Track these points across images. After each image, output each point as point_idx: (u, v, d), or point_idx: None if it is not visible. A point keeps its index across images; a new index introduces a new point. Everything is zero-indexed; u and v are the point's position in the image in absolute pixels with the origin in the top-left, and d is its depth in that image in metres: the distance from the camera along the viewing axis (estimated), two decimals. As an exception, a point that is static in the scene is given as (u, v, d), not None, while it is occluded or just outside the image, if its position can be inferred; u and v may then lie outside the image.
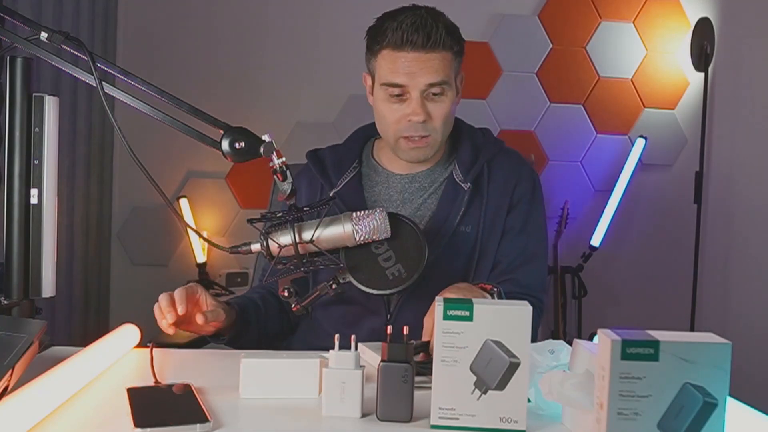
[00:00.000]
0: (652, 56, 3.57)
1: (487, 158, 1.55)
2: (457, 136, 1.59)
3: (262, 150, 1.23)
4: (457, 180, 1.53)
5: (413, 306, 1.44)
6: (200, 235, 1.40)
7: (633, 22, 3.55)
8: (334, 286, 1.28)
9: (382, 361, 1.01)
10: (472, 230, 1.51)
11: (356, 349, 1.04)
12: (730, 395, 0.87)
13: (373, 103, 1.53)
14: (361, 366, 1.04)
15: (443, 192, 1.54)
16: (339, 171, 1.58)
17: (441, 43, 1.43)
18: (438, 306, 0.98)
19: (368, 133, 1.64)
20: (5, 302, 1.25)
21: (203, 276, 3.24)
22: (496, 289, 1.35)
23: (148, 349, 1.24)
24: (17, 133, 1.26)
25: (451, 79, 1.47)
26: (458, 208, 1.51)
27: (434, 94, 1.46)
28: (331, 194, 1.54)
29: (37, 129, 1.27)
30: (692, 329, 3.35)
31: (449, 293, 1.27)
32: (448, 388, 0.99)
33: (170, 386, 1.12)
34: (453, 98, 1.49)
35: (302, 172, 1.63)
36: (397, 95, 1.46)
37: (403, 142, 1.49)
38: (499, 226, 1.53)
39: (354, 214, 1.26)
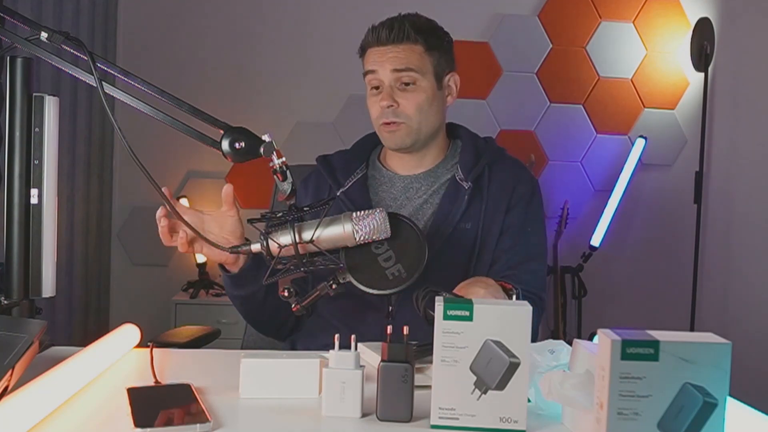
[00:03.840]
0: (652, 56, 3.57)
1: (488, 161, 1.62)
2: (461, 141, 1.67)
3: (262, 150, 1.23)
4: (459, 180, 1.60)
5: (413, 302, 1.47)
6: (200, 235, 1.39)
7: (633, 22, 3.55)
8: (334, 286, 1.28)
9: (382, 361, 1.01)
10: (472, 227, 1.57)
11: (356, 349, 1.04)
12: (730, 395, 0.87)
13: None
14: (361, 366, 1.04)
15: (445, 191, 1.60)
16: (346, 173, 1.66)
17: (404, 36, 1.55)
18: (438, 306, 0.99)
19: (376, 140, 1.72)
20: (5, 302, 1.25)
21: (203, 276, 3.24)
22: (515, 291, 1.37)
23: (148, 349, 1.24)
24: (17, 133, 1.26)
25: (422, 70, 1.56)
26: (459, 205, 1.57)
27: (405, 84, 1.56)
28: (338, 193, 1.61)
29: (37, 129, 1.27)
30: (692, 329, 3.35)
31: (475, 287, 1.29)
32: (448, 388, 0.99)
33: (170, 386, 1.12)
34: (428, 90, 1.57)
35: (311, 175, 1.70)
36: (375, 87, 1.58)
37: (382, 128, 1.60)
38: (497, 224, 1.58)
39: (354, 214, 1.26)
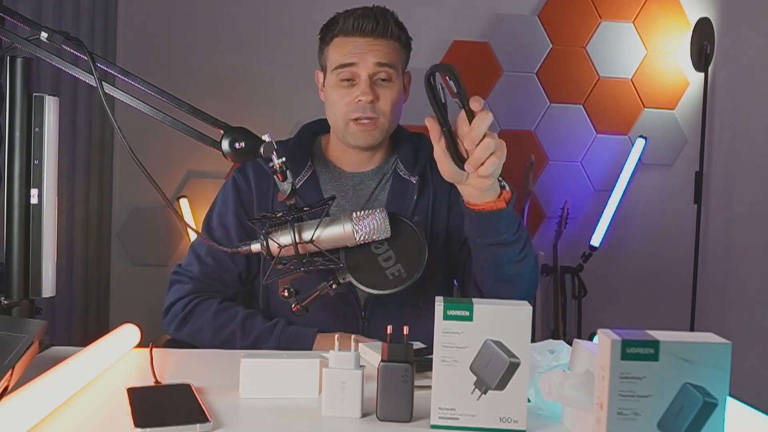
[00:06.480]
0: (652, 56, 3.57)
1: (428, 155, 1.59)
2: (398, 139, 1.67)
3: (262, 150, 1.23)
4: (403, 175, 1.61)
5: (384, 304, 1.51)
6: (200, 235, 1.40)
7: (633, 22, 3.55)
8: (334, 286, 1.28)
9: (382, 361, 1.01)
10: (424, 219, 1.58)
11: (356, 349, 1.04)
12: (730, 395, 0.87)
13: (325, 93, 1.60)
14: (361, 366, 1.04)
15: (391, 186, 1.61)
16: (295, 170, 1.60)
17: (389, 32, 1.53)
18: (438, 306, 0.99)
19: (315, 130, 1.70)
20: (5, 302, 1.25)
21: (203, 276, 3.24)
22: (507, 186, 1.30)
23: (148, 349, 1.24)
24: (17, 133, 1.26)
25: (398, 68, 1.55)
26: (410, 200, 1.58)
27: (382, 80, 1.53)
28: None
29: (37, 129, 1.27)
30: (692, 329, 3.35)
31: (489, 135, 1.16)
32: (448, 388, 0.99)
33: (170, 386, 1.12)
34: (400, 88, 1.56)
35: (248, 165, 1.65)
36: (348, 79, 1.53)
37: (353, 125, 1.55)
38: (443, 208, 1.59)
39: (354, 214, 1.26)
